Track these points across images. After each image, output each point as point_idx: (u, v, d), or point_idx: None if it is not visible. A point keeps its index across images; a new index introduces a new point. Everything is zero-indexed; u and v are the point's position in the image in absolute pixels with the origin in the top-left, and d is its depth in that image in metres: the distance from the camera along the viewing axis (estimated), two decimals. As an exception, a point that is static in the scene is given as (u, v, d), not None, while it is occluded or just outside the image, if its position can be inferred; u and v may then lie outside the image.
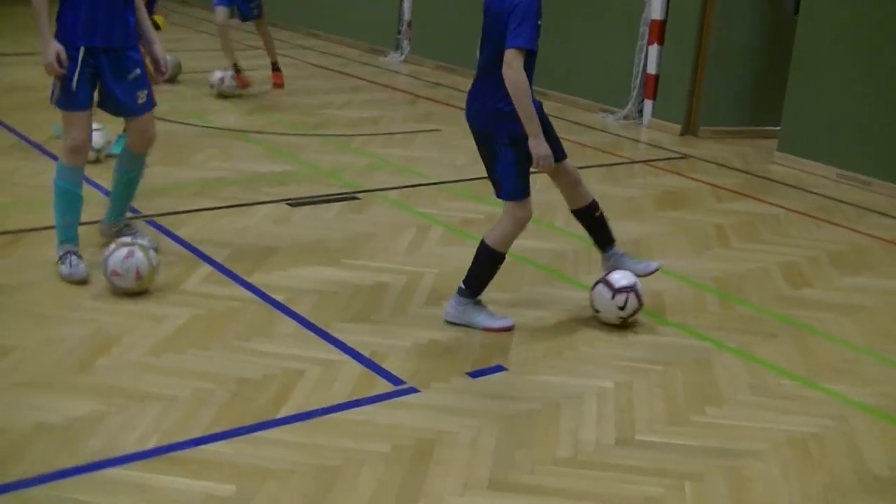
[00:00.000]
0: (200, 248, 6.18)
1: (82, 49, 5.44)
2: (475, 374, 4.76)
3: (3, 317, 5.12)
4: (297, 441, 4.10)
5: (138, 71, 5.67)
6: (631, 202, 7.84)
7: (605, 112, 10.96)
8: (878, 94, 8.79)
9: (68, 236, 5.74)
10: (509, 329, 5.31)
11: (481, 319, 5.30)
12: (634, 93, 10.79)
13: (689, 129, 10.43)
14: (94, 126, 6.59)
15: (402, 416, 4.34)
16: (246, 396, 4.42)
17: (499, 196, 5.25)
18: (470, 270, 5.32)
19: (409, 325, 5.27)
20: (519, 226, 5.23)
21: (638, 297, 5.41)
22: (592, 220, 5.64)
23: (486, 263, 5.28)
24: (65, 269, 5.62)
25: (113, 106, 5.76)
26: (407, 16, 13.94)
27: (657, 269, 5.68)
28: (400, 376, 4.68)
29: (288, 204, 7.11)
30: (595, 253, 6.34)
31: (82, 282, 5.58)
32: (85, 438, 4.04)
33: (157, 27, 10.41)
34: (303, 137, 9.23)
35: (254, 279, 5.74)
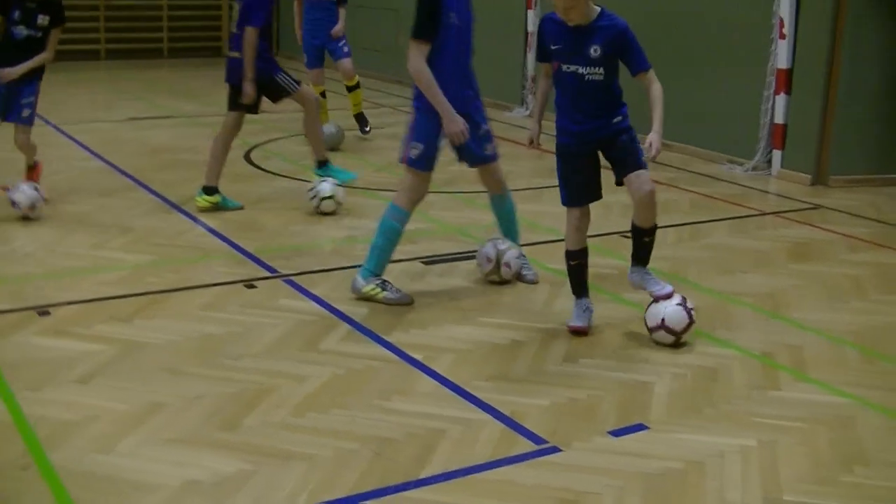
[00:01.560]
0: (337, 306, 6.24)
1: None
2: (616, 433, 4.71)
3: (150, 374, 5.22)
4: (442, 501, 4.09)
5: (485, 127, 6.57)
6: (762, 255, 7.72)
7: (732, 163, 10.85)
8: None
9: (381, 271, 6.42)
10: (579, 329, 5.90)
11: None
12: (762, 143, 10.66)
13: (819, 179, 10.26)
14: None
15: (545, 476, 4.30)
16: (388, 456, 4.43)
17: None
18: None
19: (546, 384, 5.24)
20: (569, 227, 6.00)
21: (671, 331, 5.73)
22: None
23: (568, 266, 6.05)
24: (392, 296, 6.33)
25: (469, 158, 6.66)
26: (531, 71, 13.98)
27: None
28: (541, 435, 4.65)
29: (421, 262, 7.14)
30: (730, 307, 6.29)
31: (410, 303, 6.34)
32: (233, 497, 4.09)
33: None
34: (431, 194, 9.22)
35: (392, 338, 5.77)
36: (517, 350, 5.67)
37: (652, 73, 5.69)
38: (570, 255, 6.00)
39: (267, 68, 8.30)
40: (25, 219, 7.85)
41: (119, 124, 12.51)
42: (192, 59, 19.03)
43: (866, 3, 10.06)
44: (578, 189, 5.90)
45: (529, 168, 10.74)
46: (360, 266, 6.56)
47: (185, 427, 4.65)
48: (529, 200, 9.11)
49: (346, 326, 5.95)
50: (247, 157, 10.58)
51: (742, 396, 5.19)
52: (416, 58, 6.04)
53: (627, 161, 5.71)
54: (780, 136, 10.53)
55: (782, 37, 10.34)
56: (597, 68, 5.55)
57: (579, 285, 6.00)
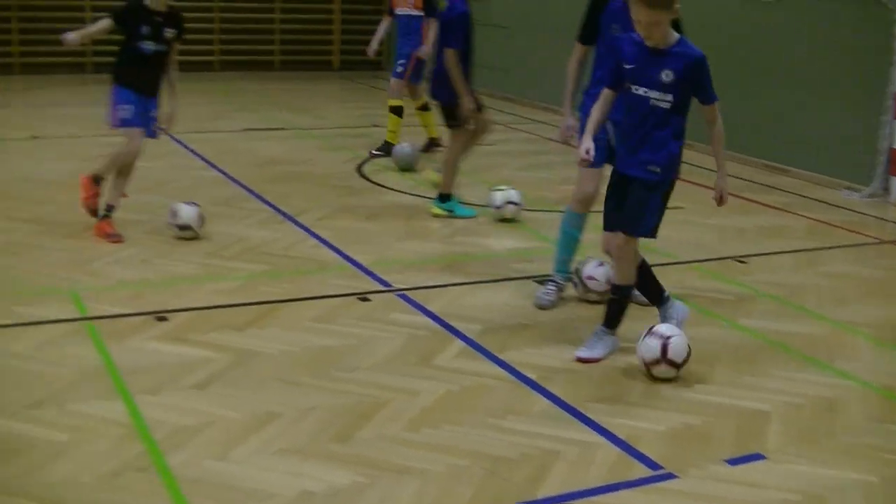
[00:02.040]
0: (452, 322, 6.24)
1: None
2: (733, 462, 4.63)
3: (264, 383, 5.27)
4: (557, 523, 4.07)
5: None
6: (881, 284, 7.57)
7: (850, 189, 10.66)
8: None
9: (560, 269, 6.71)
10: (591, 360, 5.70)
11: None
12: (880, 169, 10.45)
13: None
14: None
15: (661, 503, 4.26)
16: (502, 475, 4.41)
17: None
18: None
19: (662, 408, 5.18)
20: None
21: (664, 349, 5.49)
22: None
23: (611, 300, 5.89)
24: (538, 291, 6.68)
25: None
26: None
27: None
28: (657, 461, 4.59)
29: (535, 281, 7.11)
30: (848, 337, 6.19)
31: (542, 308, 6.51)
32: (348, 510, 4.10)
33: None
34: (545, 213, 9.24)
35: (506, 356, 5.75)
36: (632, 373, 5.61)
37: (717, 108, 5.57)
38: (626, 290, 5.85)
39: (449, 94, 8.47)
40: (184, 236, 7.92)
41: (233, 135, 12.68)
42: (304, 72, 19.21)
43: None
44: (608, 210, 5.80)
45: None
46: (472, 283, 6.61)
47: (299, 437, 4.68)
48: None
49: (460, 343, 5.95)
50: (359, 171, 10.63)
51: (862, 429, 5.08)
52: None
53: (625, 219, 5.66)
54: (898, 162, 10.33)
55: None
56: (666, 94, 5.40)
57: (620, 320, 5.85)
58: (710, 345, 6.05)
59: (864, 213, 9.90)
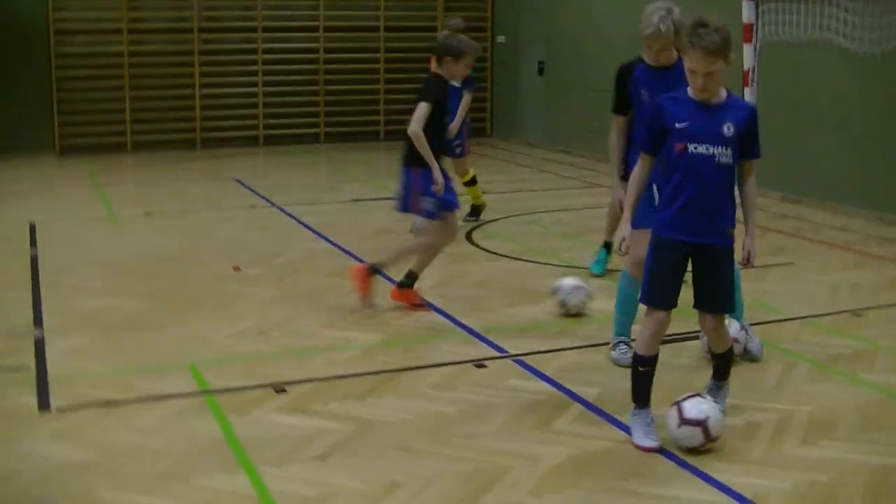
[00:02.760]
0: (568, 386, 6.24)
1: None
2: (863, 519, 4.58)
3: (385, 452, 5.32)
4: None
5: None
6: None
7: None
8: None
9: (623, 331, 6.75)
10: (653, 450, 5.30)
11: (634, 436, 5.42)
12: None
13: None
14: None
15: (792, 562, 4.21)
16: (630, 538, 4.40)
17: None
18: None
19: (785, 467, 5.12)
20: (650, 329, 5.42)
21: (707, 432, 5.25)
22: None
23: (632, 371, 5.54)
24: (615, 354, 6.69)
25: None
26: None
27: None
28: (785, 519, 4.55)
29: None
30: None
31: (627, 366, 6.10)
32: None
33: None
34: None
35: (626, 419, 5.71)
36: (754, 431, 5.57)
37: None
38: (643, 361, 5.47)
39: None
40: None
41: (342, 206, 12.85)
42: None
43: None
44: (674, 289, 5.44)
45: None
46: (586, 346, 6.66)
47: (426, 505, 4.72)
48: (754, 279, 8.96)
49: (578, 407, 5.95)
50: (468, 238, 10.71)
51: None
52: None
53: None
54: None
55: None
56: (727, 150, 5.22)
57: (647, 394, 5.51)
58: (829, 400, 5.98)
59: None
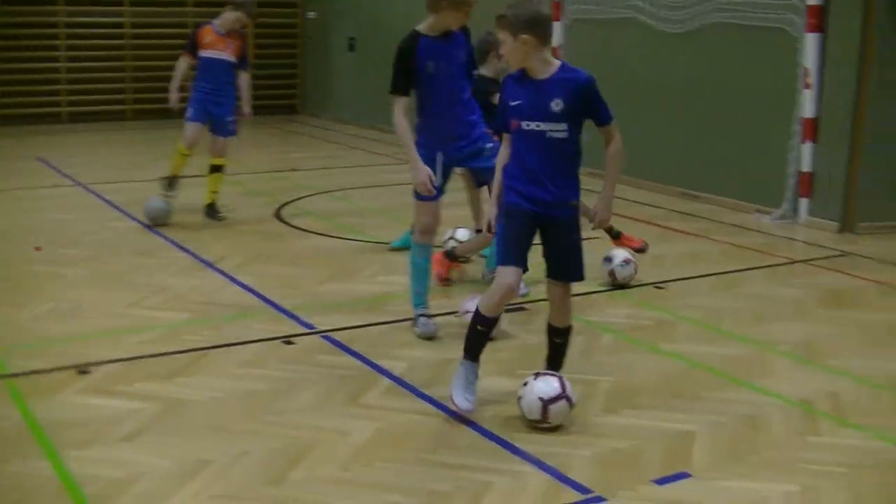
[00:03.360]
0: (377, 361, 6.28)
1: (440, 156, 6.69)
2: (661, 482, 4.73)
3: (195, 431, 5.27)
4: (492, 552, 4.12)
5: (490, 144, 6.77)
6: (796, 303, 7.75)
7: (760, 212, 10.88)
8: None
9: (420, 302, 6.88)
10: (463, 411, 5.38)
11: (454, 385, 5.48)
12: (789, 192, 10.69)
13: (846, 227, 10.29)
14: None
15: (593, 526, 4.35)
16: (438, 508, 4.47)
17: None
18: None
19: (588, 434, 5.27)
20: (500, 292, 5.38)
21: (569, 401, 5.33)
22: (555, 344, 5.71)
23: (471, 326, 5.55)
24: (419, 329, 6.80)
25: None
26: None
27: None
28: (586, 485, 4.67)
29: (456, 316, 7.17)
30: (767, 355, 6.34)
31: (432, 337, 6.72)
32: (285, 553, 4.12)
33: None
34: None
35: (432, 392, 5.80)
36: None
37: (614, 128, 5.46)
38: (485, 321, 5.50)
39: None
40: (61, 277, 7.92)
41: (150, 184, 12.59)
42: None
43: (891, 51, 10.14)
44: (524, 252, 5.46)
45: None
46: (394, 322, 6.72)
47: (232, 483, 4.69)
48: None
49: (386, 381, 5.99)
50: (277, 215, 10.65)
51: (783, 443, 5.22)
52: (396, 111, 6.53)
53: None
54: (807, 184, 10.59)
55: (807, 86, 10.42)
56: (560, 124, 5.28)
57: (479, 350, 5.57)
58: (632, 370, 6.17)
59: (775, 235, 10.12)
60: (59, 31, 18.00)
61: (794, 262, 9.07)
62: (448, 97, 6.66)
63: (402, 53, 6.57)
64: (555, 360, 5.67)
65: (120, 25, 18.45)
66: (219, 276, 8.20)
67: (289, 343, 6.64)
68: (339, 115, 19.28)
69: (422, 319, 6.84)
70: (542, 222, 5.40)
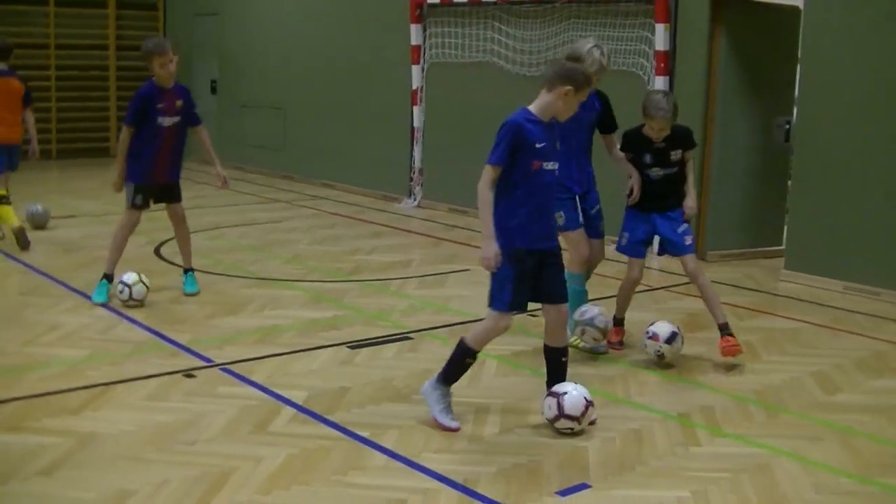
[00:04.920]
0: (278, 391, 6.37)
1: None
2: (563, 493, 4.95)
3: (111, 463, 5.28)
4: (415, 564, 4.26)
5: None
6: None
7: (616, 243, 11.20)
8: (878, 210, 9.14)
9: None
10: (453, 430, 5.71)
11: (437, 410, 5.79)
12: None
13: (698, 256, 10.64)
14: None
15: (506, 536, 4.53)
16: (357, 526, 4.59)
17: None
18: (447, 362, 5.85)
19: (489, 452, 5.46)
20: (491, 331, 5.76)
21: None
22: (559, 363, 5.99)
23: (458, 358, 5.81)
24: (583, 343, 7.24)
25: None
26: (418, 164, 14.29)
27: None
28: (495, 499, 4.85)
29: (348, 347, 7.32)
30: (640, 374, 6.61)
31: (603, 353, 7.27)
32: (218, 573, 4.20)
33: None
34: (342, 283, 9.48)
35: (336, 417, 5.93)
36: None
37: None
38: (473, 354, 5.82)
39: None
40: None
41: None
42: (83, 158, 18.82)
43: (734, 91, 10.66)
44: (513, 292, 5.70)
45: (429, 256, 11.02)
46: (290, 353, 6.83)
47: (159, 511, 4.74)
48: (435, 286, 9.37)
49: (289, 409, 6.09)
50: (157, 253, 10.63)
51: (669, 453, 5.49)
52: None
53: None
54: (659, 216, 10.97)
55: (658, 124, 10.81)
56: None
57: (457, 379, 5.91)
58: (519, 392, 6.40)
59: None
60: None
61: (653, 289, 9.42)
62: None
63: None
64: (560, 378, 5.90)
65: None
66: (110, 314, 8.17)
67: (189, 376, 6.67)
68: (203, 156, 19.16)
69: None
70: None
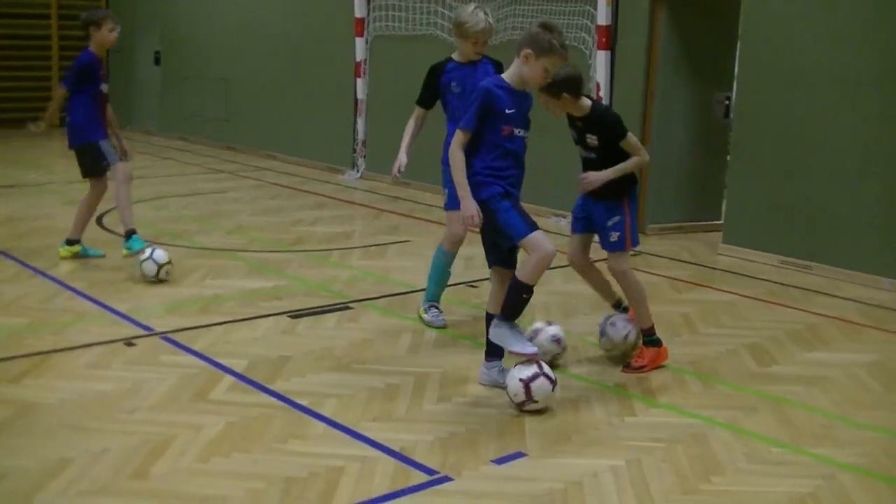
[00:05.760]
0: (219, 360, 6.35)
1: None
2: (499, 461, 4.97)
3: (52, 431, 5.24)
4: (353, 531, 4.28)
5: None
6: (598, 298, 8.00)
7: (558, 216, 11.27)
8: (811, 185, 9.25)
9: (436, 297, 7.28)
10: (531, 355, 5.64)
11: (512, 344, 5.68)
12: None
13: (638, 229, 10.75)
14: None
15: (443, 503, 4.54)
16: (297, 493, 4.58)
17: (514, 242, 5.74)
18: (504, 301, 5.74)
19: (426, 421, 5.48)
20: (541, 261, 5.59)
21: (549, 378, 5.65)
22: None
23: (515, 294, 5.68)
24: (427, 316, 7.21)
25: None
26: (361, 135, 14.26)
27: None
28: (432, 467, 4.87)
29: (289, 316, 7.31)
30: (579, 345, 6.65)
31: (441, 327, 7.13)
32: (158, 540, 4.19)
33: None
34: (284, 254, 9.46)
35: (276, 386, 5.92)
36: (394, 392, 5.89)
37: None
38: (529, 290, 5.67)
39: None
40: None
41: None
42: (21, 128, 18.53)
43: (675, 66, 10.72)
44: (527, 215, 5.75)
45: (371, 227, 11.01)
46: (230, 322, 6.80)
47: (97, 478, 4.70)
48: (376, 257, 9.38)
49: (230, 378, 6.07)
50: (99, 223, 10.53)
51: (604, 423, 5.53)
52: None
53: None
54: (597, 190, 11.02)
55: (599, 99, 10.86)
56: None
57: (520, 313, 5.79)
58: (458, 361, 6.42)
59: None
60: None
61: (595, 262, 9.43)
62: None
63: None
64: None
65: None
66: (50, 283, 8.10)
67: (130, 345, 6.64)
68: (146, 126, 19.06)
69: (433, 310, 7.25)
70: None
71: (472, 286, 8.32)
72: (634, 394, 6.00)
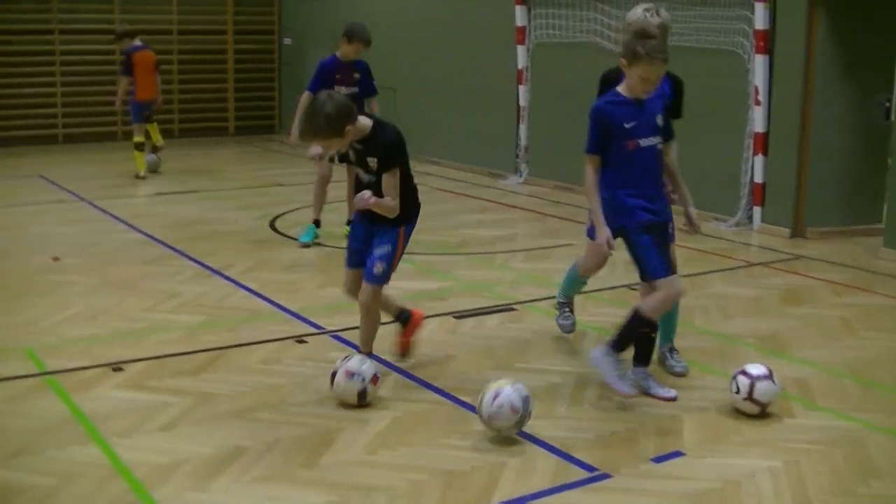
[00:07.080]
0: (386, 358, 6.44)
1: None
2: (658, 460, 4.95)
3: (227, 421, 5.44)
4: (514, 524, 4.31)
5: None
6: (757, 301, 7.98)
7: (718, 220, 11.12)
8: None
9: (570, 298, 6.90)
10: (627, 396, 5.60)
11: (612, 377, 5.60)
12: (743, 201, 10.96)
13: (797, 232, 10.56)
14: None
15: (602, 500, 4.56)
16: (459, 486, 4.64)
17: (644, 279, 5.68)
18: (619, 330, 5.72)
19: (587, 419, 5.49)
20: (668, 299, 5.57)
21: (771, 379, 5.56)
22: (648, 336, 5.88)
23: (632, 328, 5.67)
24: (560, 319, 6.88)
25: None
26: (524, 141, 14.27)
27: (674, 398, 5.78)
28: (591, 464, 4.88)
29: (454, 317, 7.37)
30: (737, 348, 6.55)
31: (568, 332, 6.86)
32: (326, 527, 4.29)
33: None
34: (449, 256, 9.53)
35: (440, 383, 5.99)
36: (555, 391, 5.90)
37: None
38: (650, 324, 5.73)
39: None
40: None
41: (148, 199, 12.74)
42: (202, 138, 19.08)
43: (833, 71, 10.45)
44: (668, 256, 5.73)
45: (534, 231, 11.02)
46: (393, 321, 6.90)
47: (269, 467, 4.86)
48: (539, 260, 9.38)
49: (395, 375, 6.17)
50: (272, 226, 10.78)
51: (762, 424, 5.45)
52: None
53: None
54: (759, 193, 10.85)
55: (758, 103, 10.69)
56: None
57: (627, 345, 5.77)
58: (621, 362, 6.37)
59: (732, 241, 10.37)
60: (54, 58, 18.00)
61: (752, 265, 9.33)
62: None
63: None
64: (647, 351, 5.92)
65: (111, 52, 18.42)
66: (226, 283, 8.33)
67: (301, 342, 6.79)
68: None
69: (567, 312, 6.92)
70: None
71: (633, 289, 8.24)
72: (794, 396, 5.88)
